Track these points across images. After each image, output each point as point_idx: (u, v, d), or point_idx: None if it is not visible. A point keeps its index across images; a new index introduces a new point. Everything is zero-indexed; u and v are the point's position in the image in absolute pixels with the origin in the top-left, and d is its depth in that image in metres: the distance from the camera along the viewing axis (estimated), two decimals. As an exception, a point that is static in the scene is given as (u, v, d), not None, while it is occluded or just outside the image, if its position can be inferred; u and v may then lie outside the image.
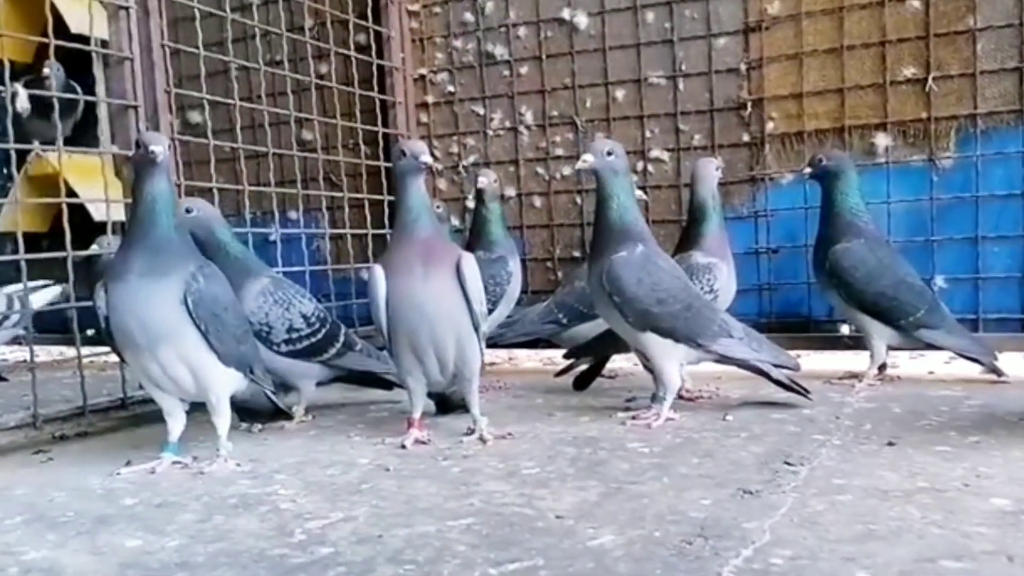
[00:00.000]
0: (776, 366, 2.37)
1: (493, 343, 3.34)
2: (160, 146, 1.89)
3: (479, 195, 3.02)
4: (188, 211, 2.36)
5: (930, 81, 2.87)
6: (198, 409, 2.07)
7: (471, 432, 2.16)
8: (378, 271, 2.09)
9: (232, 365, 1.99)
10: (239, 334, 2.01)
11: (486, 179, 3.00)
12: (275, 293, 2.39)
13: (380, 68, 3.60)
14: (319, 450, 2.12)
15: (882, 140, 2.97)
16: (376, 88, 3.57)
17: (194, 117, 3.78)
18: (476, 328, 2.11)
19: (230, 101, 3.04)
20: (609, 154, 2.29)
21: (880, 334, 2.67)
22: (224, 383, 1.99)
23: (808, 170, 2.74)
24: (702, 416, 2.30)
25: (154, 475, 1.92)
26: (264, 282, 2.40)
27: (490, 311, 2.88)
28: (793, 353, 3.21)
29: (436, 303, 2.05)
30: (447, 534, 1.43)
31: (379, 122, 3.57)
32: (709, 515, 1.44)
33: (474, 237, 3.02)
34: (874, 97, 2.97)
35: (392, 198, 3.59)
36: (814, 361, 3.12)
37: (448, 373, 2.15)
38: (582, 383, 2.76)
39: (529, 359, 3.82)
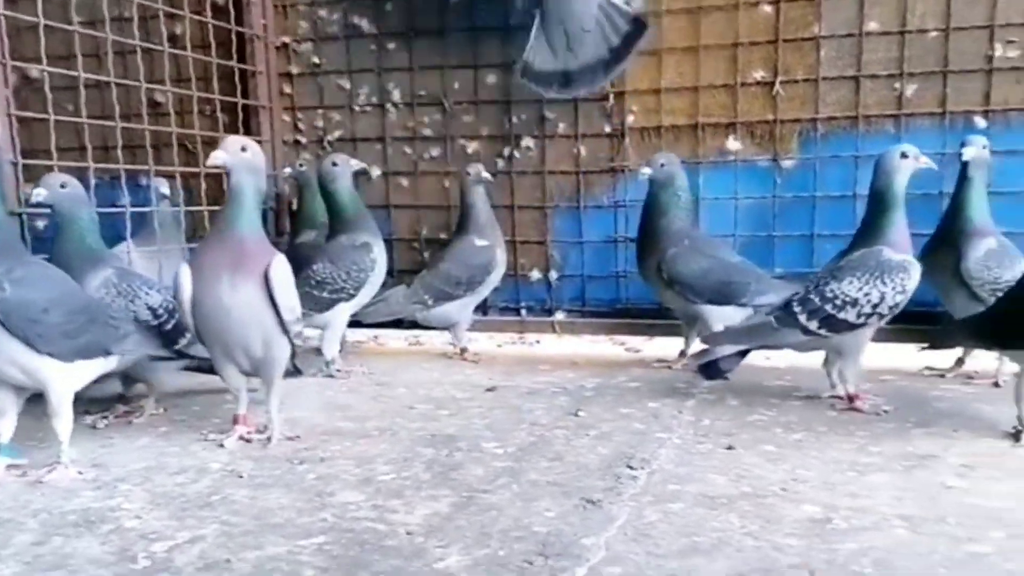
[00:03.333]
0: None
1: (356, 322, 3.33)
2: None
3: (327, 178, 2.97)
4: (63, 186, 2.27)
5: (777, 85, 3.03)
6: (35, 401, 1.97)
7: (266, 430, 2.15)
8: (184, 273, 2.05)
9: (76, 358, 1.90)
10: (74, 328, 1.90)
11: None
12: (119, 284, 2.29)
13: (240, 34, 3.45)
14: (169, 452, 2.07)
15: (732, 139, 3.12)
16: (235, 55, 3.42)
17: (33, 72, 3.49)
18: (287, 331, 2.09)
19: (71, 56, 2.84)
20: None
21: (721, 317, 2.85)
22: (65, 381, 1.90)
23: (647, 170, 2.86)
24: (556, 412, 2.39)
25: (-13, 485, 1.83)
26: (107, 273, 2.29)
27: (351, 296, 2.89)
28: (642, 339, 3.42)
29: (242, 311, 2.02)
30: (298, 556, 1.45)
31: (238, 91, 3.43)
32: (552, 529, 1.53)
33: (336, 220, 2.98)
34: (726, 97, 3.11)
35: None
36: (659, 347, 3.29)
37: (258, 363, 2.12)
38: (712, 371, 2.52)
39: (395, 339, 3.84)
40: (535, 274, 3.46)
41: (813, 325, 2.33)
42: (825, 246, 3.09)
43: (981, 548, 1.44)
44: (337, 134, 3.59)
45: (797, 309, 2.35)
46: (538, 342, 3.67)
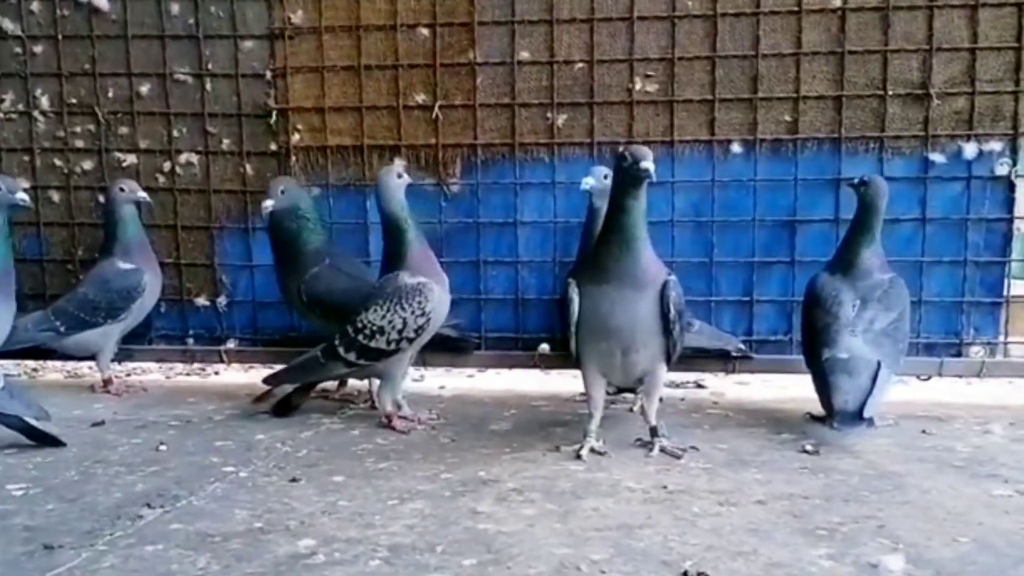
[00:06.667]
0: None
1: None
2: None
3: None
4: None
5: (436, 109, 3.00)
6: None
7: None
8: None
9: None
10: None
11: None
12: None
13: None
14: None
15: (399, 162, 3.04)
16: None
17: None
18: None
19: None
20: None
21: None
22: None
23: (268, 203, 2.70)
24: (143, 446, 2.17)
25: None
26: None
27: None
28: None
29: None
30: None
31: None
32: (-37, 585, 1.31)
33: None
34: (389, 119, 3.04)
35: None
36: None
37: None
38: (284, 409, 2.55)
39: (55, 371, 3.47)
40: (202, 300, 3.21)
41: (352, 356, 2.34)
42: (491, 272, 3.07)
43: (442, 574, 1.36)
44: (-22, 142, 3.21)
45: (338, 343, 2.35)
46: (217, 373, 3.43)
